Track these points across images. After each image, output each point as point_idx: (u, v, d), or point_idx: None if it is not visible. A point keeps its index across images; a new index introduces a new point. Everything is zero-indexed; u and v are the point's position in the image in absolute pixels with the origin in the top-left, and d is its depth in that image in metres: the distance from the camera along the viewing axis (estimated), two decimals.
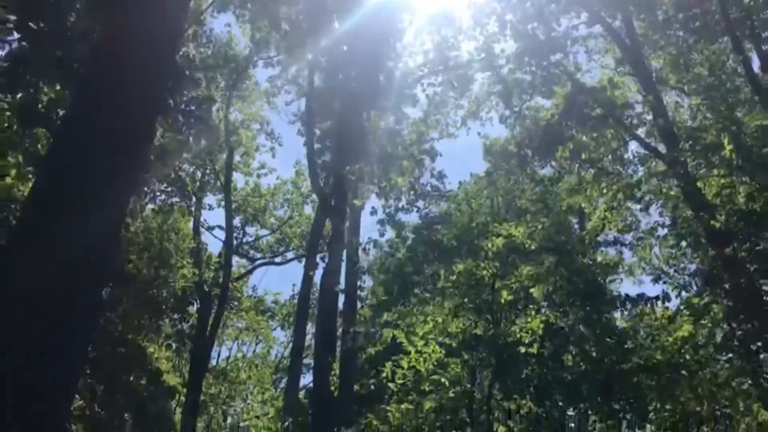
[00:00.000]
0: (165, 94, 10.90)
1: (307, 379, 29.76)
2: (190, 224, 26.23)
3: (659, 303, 13.46)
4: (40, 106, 9.47)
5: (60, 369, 5.26)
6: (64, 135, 7.55)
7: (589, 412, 14.04)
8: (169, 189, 14.18)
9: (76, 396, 11.92)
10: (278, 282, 65.77)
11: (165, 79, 9.34)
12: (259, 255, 30.68)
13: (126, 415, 11.38)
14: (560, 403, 16.84)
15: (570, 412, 17.70)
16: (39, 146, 10.24)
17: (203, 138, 13.19)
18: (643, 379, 14.46)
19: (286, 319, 34.40)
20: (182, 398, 22.63)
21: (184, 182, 14.79)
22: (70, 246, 5.97)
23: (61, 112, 9.65)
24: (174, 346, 12.96)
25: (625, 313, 14.34)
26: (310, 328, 28.19)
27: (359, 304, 18.39)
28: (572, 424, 16.22)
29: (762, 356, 16.40)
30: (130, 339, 11.18)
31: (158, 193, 13.90)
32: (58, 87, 10.33)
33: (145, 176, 13.09)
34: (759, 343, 15.54)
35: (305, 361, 28.10)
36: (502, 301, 13.04)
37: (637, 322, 14.70)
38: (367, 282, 22.61)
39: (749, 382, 19.58)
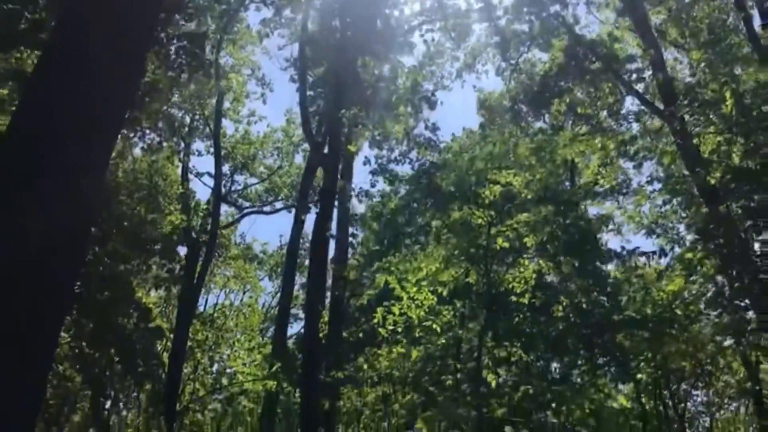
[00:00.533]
0: (156, 25, 10.47)
1: (294, 329, 29.88)
2: (179, 170, 25.85)
3: (655, 256, 13.43)
4: (22, 25, 8.99)
5: (42, 317, 4.99)
6: (47, 66, 7.10)
7: (579, 362, 14.14)
8: (159, 127, 13.79)
9: (63, 333, 11.77)
10: (266, 234, 65.78)
11: (156, 8, 8.91)
12: (247, 204, 30.35)
13: (113, 351, 11.25)
14: (547, 355, 17.00)
15: (555, 364, 17.90)
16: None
17: (196, 75, 12.77)
18: (630, 333, 14.56)
19: (273, 270, 34.32)
20: (169, 344, 22.61)
21: (173, 120, 14.36)
22: (53, 186, 5.62)
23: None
24: (163, 286, 12.74)
25: (618, 265, 14.33)
26: (299, 278, 28.14)
27: (350, 251, 18.28)
28: (557, 376, 16.40)
29: (749, 314, 16.53)
30: (119, 277, 11.00)
31: (147, 132, 13.54)
32: (43, 14, 9.87)
33: (135, 113, 12.72)
34: (747, 300, 15.62)
35: (293, 311, 28.14)
36: (497, 247, 12.94)
37: (631, 274, 14.72)
38: (359, 233, 22.51)
39: (732, 340, 19.81)
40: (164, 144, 14.69)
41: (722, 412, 29.90)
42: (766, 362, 22.07)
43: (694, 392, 26.66)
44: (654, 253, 13.77)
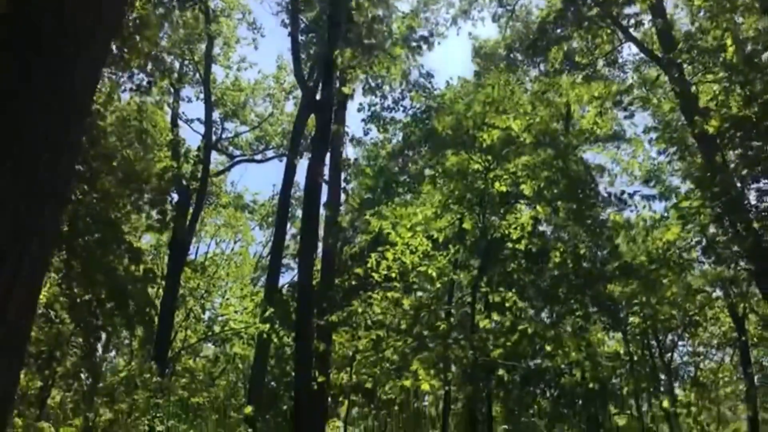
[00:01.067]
0: None
1: (285, 278, 29.86)
2: (168, 117, 25.40)
3: (655, 200, 13.33)
4: None
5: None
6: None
7: (574, 307, 14.15)
8: (148, 70, 13.39)
9: (53, 275, 11.60)
10: (257, 184, 65.47)
11: None
12: (238, 152, 29.99)
13: (103, 293, 11.10)
14: (538, 304, 17.07)
15: (545, 313, 18.01)
16: None
17: (185, 14, 12.33)
18: (625, 281, 14.58)
19: (264, 219, 34.16)
20: (161, 291, 22.57)
21: (163, 63, 13.95)
22: (37, 103, 5.31)
23: None
24: (155, 227, 12.57)
25: (616, 210, 14.24)
26: (289, 228, 28.02)
27: (343, 197, 18.10)
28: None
29: (741, 264, 16.58)
30: (109, 218, 10.77)
31: (136, 72, 13.14)
32: None
33: (123, 52, 12.31)
34: (740, 249, 15.63)
35: (283, 261, 28.12)
36: (495, 192, 12.77)
37: (626, 221, 14.65)
38: (352, 180, 22.31)
39: (721, 291, 19.95)
40: (154, 87, 14.30)
41: (707, 362, 30.59)
42: (753, 314, 22.36)
43: (680, 343, 27.24)
44: (654, 196, 13.67)
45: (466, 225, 13.24)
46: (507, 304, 13.31)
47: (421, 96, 18.21)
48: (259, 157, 29.93)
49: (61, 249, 10.01)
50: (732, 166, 15.71)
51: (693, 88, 17.67)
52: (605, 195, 13.77)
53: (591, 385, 12.50)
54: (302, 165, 23.63)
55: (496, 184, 12.59)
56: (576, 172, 13.00)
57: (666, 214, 16.83)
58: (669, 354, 25.52)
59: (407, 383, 12.07)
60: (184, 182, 23.80)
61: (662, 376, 23.91)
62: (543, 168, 12.52)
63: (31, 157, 4.41)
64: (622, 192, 13.67)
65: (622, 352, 14.97)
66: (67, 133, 5.50)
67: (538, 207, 12.76)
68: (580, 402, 19.63)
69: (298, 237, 19.61)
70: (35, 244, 4.11)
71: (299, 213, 25.43)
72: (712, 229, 16.24)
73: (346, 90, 15.95)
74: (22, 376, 17.43)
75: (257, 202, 33.40)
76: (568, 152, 13.06)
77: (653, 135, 19.34)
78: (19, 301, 3.74)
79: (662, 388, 22.67)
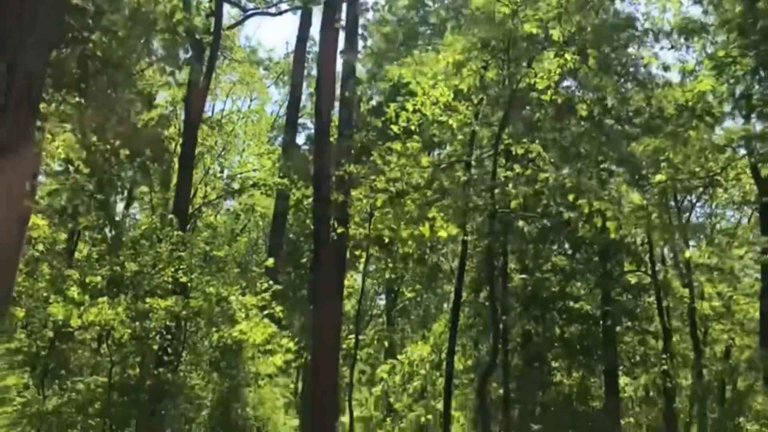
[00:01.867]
0: None
1: (302, 140, 29.57)
2: None
3: (693, 37, 12.53)
4: None
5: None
6: None
7: (598, 159, 13.83)
8: None
9: (66, 125, 11.34)
10: (271, 42, 63.64)
11: None
12: (251, 5, 28.62)
13: (117, 142, 10.89)
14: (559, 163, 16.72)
15: (565, 171, 17.72)
16: None
17: None
18: (652, 134, 14.11)
19: (280, 78, 33.35)
20: (178, 148, 22.42)
21: None
22: None
23: None
24: (168, 70, 12.08)
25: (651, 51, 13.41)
26: (305, 88, 27.34)
27: (361, 44, 17.34)
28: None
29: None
30: (118, 59, 10.33)
31: None
32: None
33: None
34: None
35: (300, 121, 27.69)
36: (522, 35, 12.02)
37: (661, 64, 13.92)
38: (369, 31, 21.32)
39: (744, 151, 19.40)
40: None
41: (723, 223, 30.76)
42: None
43: (698, 204, 27.19)
44: (693, 32, 12.83)
45: (490, 74, 12.65)
46: (531, 155, 12.98)
47: None
48: (273, 10, 28.63)
49: (71, 92, 9.71)
50: None
51: None
52: (643, 30, 12.90)
53: (613, 236, 12.37)
54: (318, 18, 22.63)
55: (526, 25, 11.78)
56: (607, 8, 12.12)
57: (699, 68, 16.04)
58: (687, 214, 25.51)
59: (425, 230, 12.04)
60: (197, 36, 22.91)
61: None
62: (575, 10, 11.71)
63: None
64: (659, 30, 12.86)
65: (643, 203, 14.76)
66: None
67: (566, 55, 12.05)
68: (596, 259, 19.78)
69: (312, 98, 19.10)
70: (33, 33, 3.96)
71: (315, 72, 24.73)
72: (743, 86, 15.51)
73: None
74: (47, 229, 17.68)
75: (272, 59, 32.45)
76: None
77: None
78: (19, 89, 3.68)
79: (679, 247, 22.76)
